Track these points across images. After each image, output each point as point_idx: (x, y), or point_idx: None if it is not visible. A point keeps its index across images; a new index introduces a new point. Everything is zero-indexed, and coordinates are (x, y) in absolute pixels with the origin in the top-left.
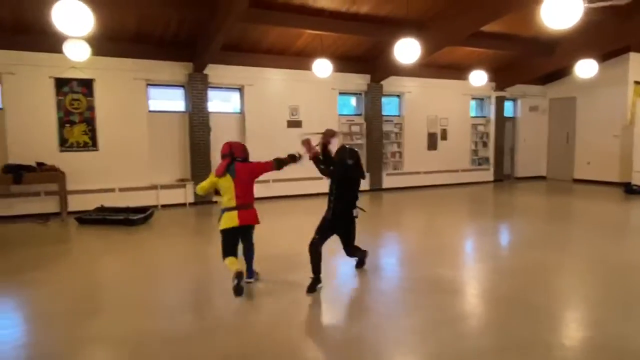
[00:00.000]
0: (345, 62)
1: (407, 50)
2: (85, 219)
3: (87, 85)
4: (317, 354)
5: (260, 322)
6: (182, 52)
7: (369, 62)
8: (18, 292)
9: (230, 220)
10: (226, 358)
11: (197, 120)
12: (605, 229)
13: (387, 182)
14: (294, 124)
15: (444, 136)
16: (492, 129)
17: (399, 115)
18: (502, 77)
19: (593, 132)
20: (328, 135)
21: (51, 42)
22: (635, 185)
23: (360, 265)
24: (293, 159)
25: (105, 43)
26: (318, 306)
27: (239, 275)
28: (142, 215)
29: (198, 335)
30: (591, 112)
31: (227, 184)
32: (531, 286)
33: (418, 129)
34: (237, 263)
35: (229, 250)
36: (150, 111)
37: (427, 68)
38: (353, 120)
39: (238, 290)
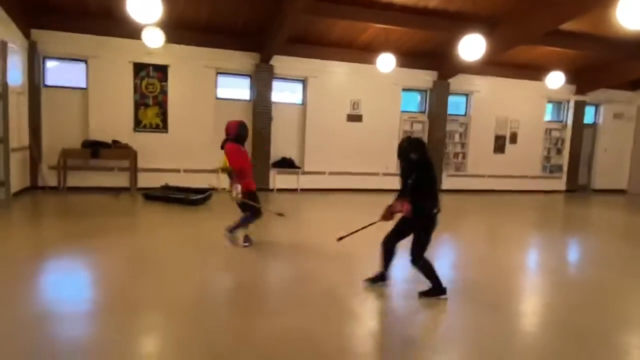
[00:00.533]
0: (411, 58)
1: (471, 46)
2: (151, 195)
3: (162, 70)
4: None
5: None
6: (251, 43)
7: (436, 58)
8: (82, 255)
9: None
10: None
11: (260, 109)
12: None
13: (448, 183)
14: (355, 118)
15: (514, 139)
16: (568, 135)
17: (465, 115)
18: (584, 80)
19: None
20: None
21: (131, 28)
22: None
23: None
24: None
25: (180, 32)
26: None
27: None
28: (201, 196)
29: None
30: None
31: (224, 157)
32: (589, 310)
33: (485, 130)
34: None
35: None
36: (217, 98)
37: (500, 67)
38: (416, 118)
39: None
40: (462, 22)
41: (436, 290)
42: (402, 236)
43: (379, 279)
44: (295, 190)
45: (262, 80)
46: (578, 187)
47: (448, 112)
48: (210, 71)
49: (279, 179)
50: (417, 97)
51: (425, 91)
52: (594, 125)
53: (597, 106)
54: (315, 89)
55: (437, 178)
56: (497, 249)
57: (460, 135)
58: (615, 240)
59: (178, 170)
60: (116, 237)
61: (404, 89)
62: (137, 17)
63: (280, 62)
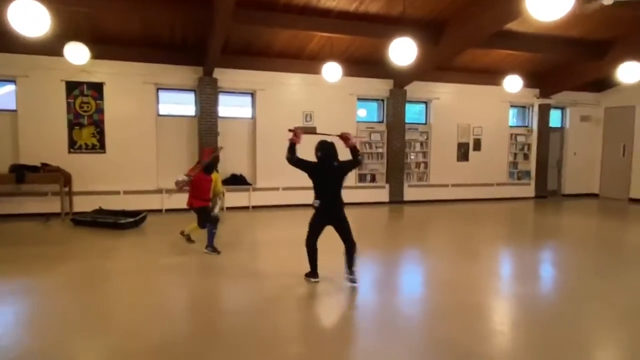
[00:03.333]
0: (365, 66)
1: (401, 50)
2: (79, 220)
3: (97, 88)
4: None
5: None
6: (191, 56)
7: (390, 66)
8: None
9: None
10: None
11: (205, 124)
12: None
13: (409, 194)
14: (309, 130)
15: (477, 146)
16: (534, 140)
17: (425, 123)
18: (546, 83)
19: None
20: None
21: (62, 46)
22: None
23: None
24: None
25: (114, 47)
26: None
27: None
28: (131, 220)
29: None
30: None
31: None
32: (559, 336)
33: (447, 138)
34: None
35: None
36: (159, 115)
37: (458, 72)
38: (373, 128)
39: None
40: (406, 27)
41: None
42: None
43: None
44: (247, 207)
45: (206, 94)
46: (548, 192)
47: (407, 121)
48: (149, 87)
49: (228, 197)
50: (375, 106)
51: (382, 100)
52: (561, 129)
53: (562, 109)
54: (264, 102)
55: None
56: (458, 266)
57: (422, 144)
58: (593, 251)
59: (118, 192)
60: (24, 268)
61: (359, 99)
62: (21, 30)
63: (225, 75)
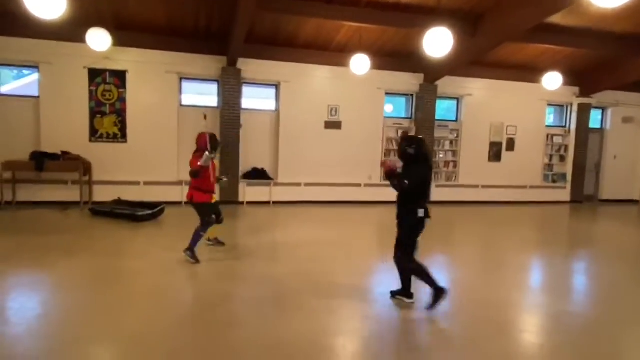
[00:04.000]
0: (394, 60)
1: (437, 41)
2: (97, 210)
3: (119, 76)
4: None
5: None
6: (215, 45)
7: (421, 60)
8: None
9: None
10: None
11: (228, 116)
12: None
13: (437, 194)
14: (333, 124)
15: (511, 147)
16: (572, 142)
17: (456, 121)
18: (587, 81)
19: None
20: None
21: (85, 33)
22: None
23: (398, 294)
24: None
25: (137, 34)
26: None
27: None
28: (149, 212)
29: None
30: None
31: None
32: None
33: (479, 137)
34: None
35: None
36: (182, 105)
37: (493, 68)
38: (401, 124)
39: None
40: (441, 18)
41: (404, 292)
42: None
43: (439, 297)
44: (267, 203)
45: (229, 85)
46: (584, 197)
47: (437, 118)
48: (172, 76)
49: (249, 192)
50: (403, 101)
51: (412, 95)
52: (601, 130)
53: (604, 109)
54: (288, 94)
55: (430, 180)
56: (483, 276)
57: (451, 142)
58: (625, 262)
59: (138, 183)
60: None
61: (387, 93)
62: (37, 13)
63: (249, 66)
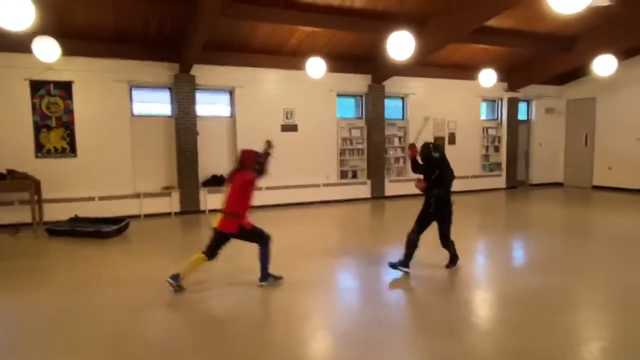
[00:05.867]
0: (344, 62)
1: (400, 45)
2: (56, 230)
3: (65, 87)
4: None
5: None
6: (167, 51)
7: (369, 61)
8: None
9: (215, 221)
10: None
11: (183, 124)
12: (626, 246)
13: (390, 189)
14: (289, 128)
15: (452, 140)
16: (504, 133)
17: (402, 119)
18: (515, 77)
19: (614, 135)
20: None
21: (25, 42)
22: None
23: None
24: (266, 155)
25: (84, 42)
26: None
27: (173, 276)
28: (115, 227)
29: None
30: (612, 114)
31: (227, 189)
32: (532, 320)
33: (424, 133)
34: (194, 266)
35: (208, 247)
36: (133, 115)
37: (433, 68)
38: (353, 124)
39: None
40: (390, 22)
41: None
42: (424, 228)
43: (401, 265)
44: None
45: (183, 92)
46: (517, 182)
47: (385, 116)
48: (122, 85)
49: (210, 199)
50: (353, 102)
51: (361, 96)
52: (527, 121)
53: (529, 102)
54: (244, 99)
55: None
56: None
57: (400, 139)
58: (556, 236)
59: (92, 199)
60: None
61: (339, 95)
62: (3, 24)
63: (202, 72)
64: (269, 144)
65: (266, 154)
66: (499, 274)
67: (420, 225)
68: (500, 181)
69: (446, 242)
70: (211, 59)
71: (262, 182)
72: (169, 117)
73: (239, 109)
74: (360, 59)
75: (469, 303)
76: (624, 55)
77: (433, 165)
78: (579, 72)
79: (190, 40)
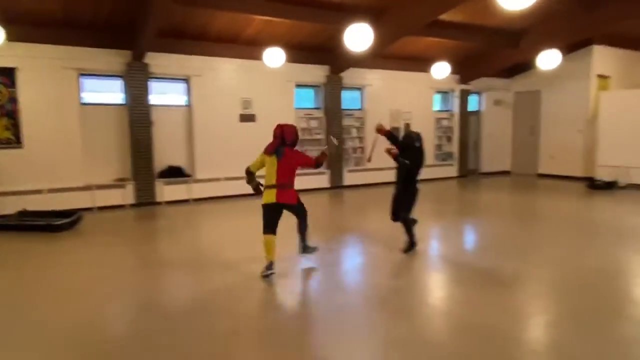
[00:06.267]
0: (302, 53)
1: (358, 36)
2: (3, 224)
3: (8, 74)
4: None
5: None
6: (119, 38)
7: (327, 52)
8: None
9: (269, 196)
10: None
11: (136, 113)
12: (567, 228)
13: (349, 179)
14: (247, 117)
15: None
16: (456, 124)
17: (360, 109)
18: (466, 70)
19: (557, 126)
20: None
21: None
22: (598, 181)
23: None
24: (324, 155)
25: (29, 28)
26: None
27: (268, 266)
28: (66, 220)
29: None
30: (555, 106)
31: (272, 163)
32: (485, 301)
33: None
34: (272, 248)
35: (267, 225)
36: (83, 104)
37: (389, 60)
38: (312, 114)
39: (265, 277)
40: (347, 13)
41: (411, 244)
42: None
43: (413, 246)
44: (187, 201)
45: (136, 81)
46: (468, 171)
47: (343, 107)
48: (70, 72)
49: (167, 191)
50: (312, 93)
51: (319, 86)
52: (477, 112)
53: (479, 94)
54: (200, 89)
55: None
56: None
57: (358, 129)
58: (503, 221)
59: (40, 191)
60: None
61: (297, 85)
62: None
63: (156, 60)
64: (329, 143)
65: (324, 155)
66: (453, 257)
67: (398, 204)
68: (453, 170)
69: (399, 214)
70: (166, 47)
71: (223, 172)
72: (121, 106)
73: (195, 99)
74: (319, 49)
75: (425, 284)
76: (567, 49)
77: (412, 151)
78: (526, 65)
79: (142, 27)
